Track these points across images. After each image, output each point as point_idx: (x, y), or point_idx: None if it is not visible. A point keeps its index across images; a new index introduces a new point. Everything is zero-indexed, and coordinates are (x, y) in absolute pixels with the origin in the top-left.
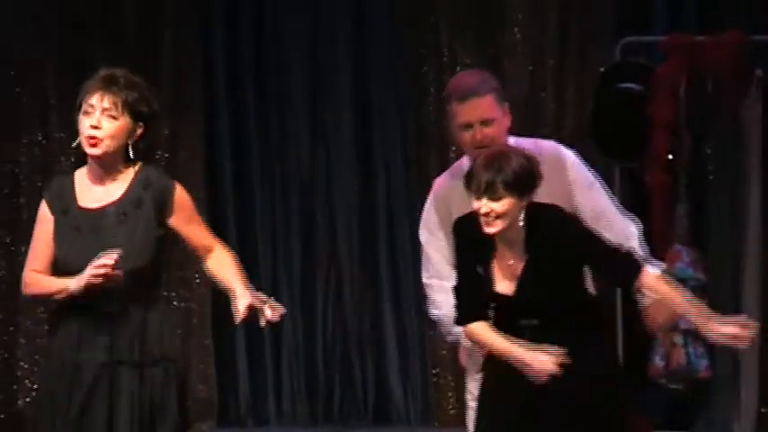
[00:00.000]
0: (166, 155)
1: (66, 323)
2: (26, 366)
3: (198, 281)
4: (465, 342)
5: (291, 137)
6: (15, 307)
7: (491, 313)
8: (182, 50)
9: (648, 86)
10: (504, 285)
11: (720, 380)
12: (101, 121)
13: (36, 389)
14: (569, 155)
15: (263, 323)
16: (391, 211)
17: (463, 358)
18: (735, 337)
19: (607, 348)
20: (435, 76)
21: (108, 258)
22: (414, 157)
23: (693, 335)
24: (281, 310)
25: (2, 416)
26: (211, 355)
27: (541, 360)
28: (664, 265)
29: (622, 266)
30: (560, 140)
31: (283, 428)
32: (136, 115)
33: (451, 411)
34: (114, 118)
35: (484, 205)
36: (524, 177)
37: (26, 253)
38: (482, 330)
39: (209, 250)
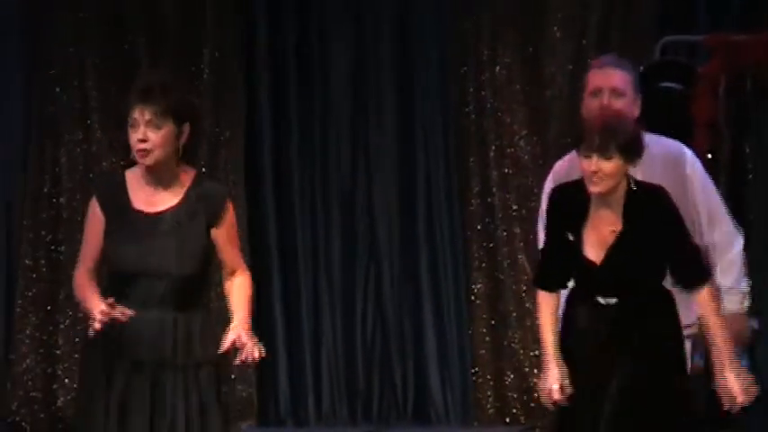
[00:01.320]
0: (207, 155)
1: (111, 326)
2: (65, 366)
3: None
4: None
5: (333, 137)
6: (54, 307)
7: (571, 284)
8: (223, 51)
9: (689, 85)
10: (593, 252)
11: (760, 379)
12: (146, 132)
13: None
14: (690, 154)
15: (238, 360)
16: (431, 211)
17: None
18: (732, 398)
19: (675, 346)
20: (475, 75)
21: (121, 314)
22: (454, 157)
23: None
24: (261, 353)
25: (42, 415)
26: None
27: (547, 385)
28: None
29: (691, 271)
30: None
31: (323, 428)
32: (179, 118)
33: (491, 411)
34: (158, 127)
35: (594, 163)
36: (635, 143)
37: (66, 253)
38: (544, 308)
39: (233, 272)
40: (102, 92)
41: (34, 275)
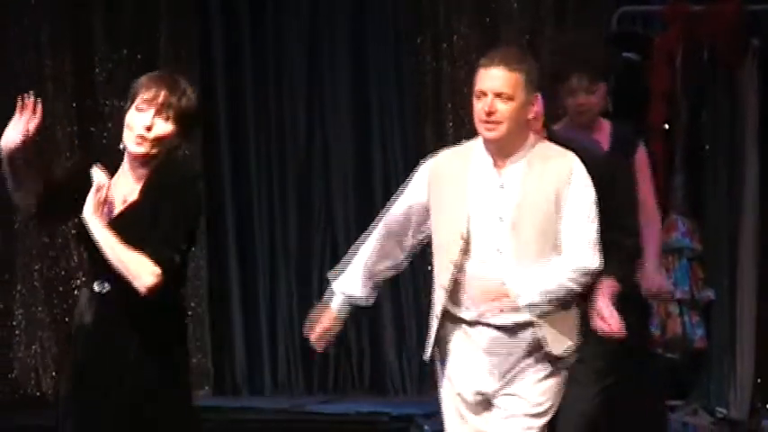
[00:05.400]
0: None
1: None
2: (18, 333)
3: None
4: None
5: (288, 109)
6: (12, 276)
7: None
8: (179, 25)
9: (645, 56)
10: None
11: (716, 349)
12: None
13: None
14: (581, 167)
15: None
16: (388, 183)
17: None
18: None
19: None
20: (432, 44)
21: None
22: (411, 127)
23: (689, 304)
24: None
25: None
26: (207, 325)
27: None
28: None
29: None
30: (556, 111)
31: (279, 397)
32: None
33: None
34: None
35: (147, 117)
36: (197, 115)
37: (21, 222)
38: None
39: None
40: (57, 62)
41: None
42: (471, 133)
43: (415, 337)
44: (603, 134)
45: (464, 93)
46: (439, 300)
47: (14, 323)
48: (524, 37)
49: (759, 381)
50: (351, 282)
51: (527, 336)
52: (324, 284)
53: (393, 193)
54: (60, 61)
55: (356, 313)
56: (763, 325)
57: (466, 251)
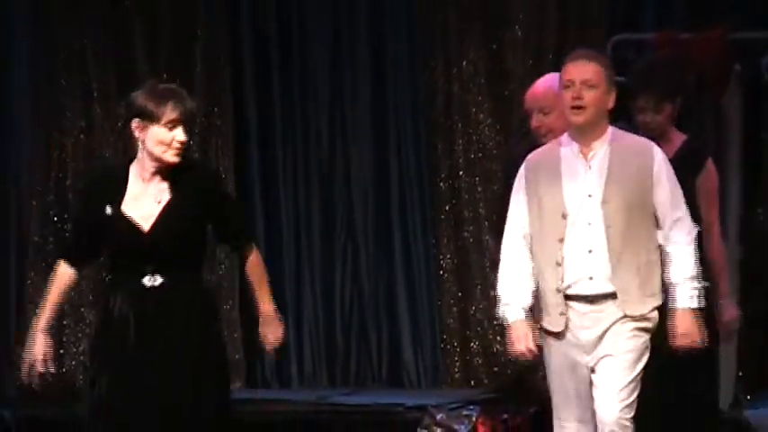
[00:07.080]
0: (199, 142)
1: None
2: (70, 333)
3: (225, 255)
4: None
5: (312, 129)
6: None
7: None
8: (213, 46)
9: None
10: (142, 223)
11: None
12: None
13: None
14: (661, 154)
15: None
16: (404, 192)
17: None
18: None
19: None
20: (444, 69)
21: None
22: (424, 144)
23: None
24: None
25: (50, 379)
26: (239, 323)
27: (30, 357)
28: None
29: (234, 232)
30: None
31: (305, 390)
32: None
33: (458, 375)
34: None
35: (182, 134)
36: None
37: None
38: (58, 281)
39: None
40: (102, 84)
41: (42, 251)
42: (480, 150)
43: (429, 334)
44: (671, 149)
45: (472, 113)
46: (552, 276)
47: (65, 322)
48: (528, 61)
49: (741, 374)
50: (520, 293)
51: (614, 306)
52: (345, 286)
53: (408, 204)
54: (106, 83)
55: (376, 313)
56: (744, 318)
57: (566, 228)
